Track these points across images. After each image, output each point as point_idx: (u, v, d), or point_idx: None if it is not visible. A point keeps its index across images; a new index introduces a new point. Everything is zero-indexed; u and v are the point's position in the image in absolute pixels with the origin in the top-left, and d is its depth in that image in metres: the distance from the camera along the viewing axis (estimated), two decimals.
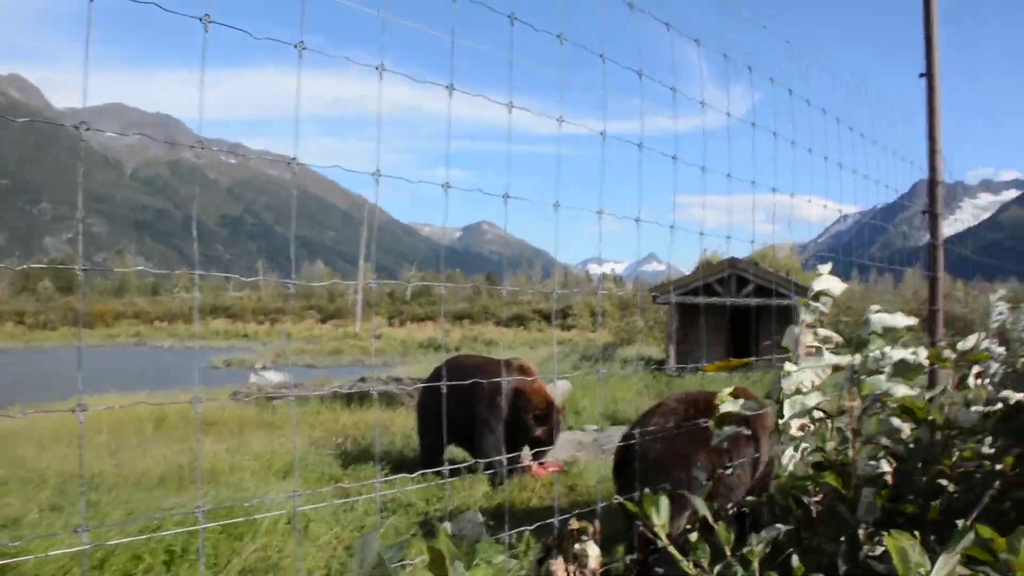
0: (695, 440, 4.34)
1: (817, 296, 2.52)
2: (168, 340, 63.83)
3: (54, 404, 12.81)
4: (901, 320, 2.42)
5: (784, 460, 2.50)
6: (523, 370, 8.49)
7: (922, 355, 2.46)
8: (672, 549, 1.90)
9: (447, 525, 1.40)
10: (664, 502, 1.90)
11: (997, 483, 2.51)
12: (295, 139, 2.20)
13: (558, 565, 1.73)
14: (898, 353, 2.43)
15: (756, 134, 3.78)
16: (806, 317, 2.58)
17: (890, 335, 2.43)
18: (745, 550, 1.91)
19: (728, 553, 1.99)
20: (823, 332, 2.55)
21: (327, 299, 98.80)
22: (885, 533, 1.47)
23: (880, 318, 2.38)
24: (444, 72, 2.65)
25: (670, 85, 3.25)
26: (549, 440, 8.33)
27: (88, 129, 1.71)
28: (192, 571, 4.78)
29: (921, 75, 5.65)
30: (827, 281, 2.56)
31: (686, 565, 1.91)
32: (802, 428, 2.54)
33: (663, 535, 1.85)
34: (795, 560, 1.84)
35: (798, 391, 2.44)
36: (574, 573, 1.71)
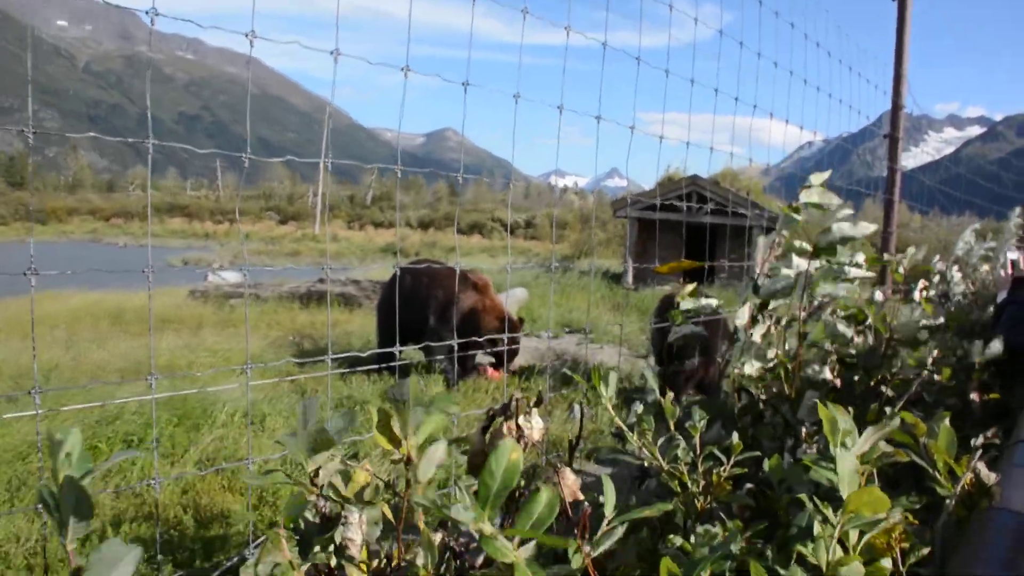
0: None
1: (798, 209, 2.50)
2: (124, 238, 62.71)
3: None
4: (862, 229, 2.43)
5: (744, 365, 2.56)
6: (479, 286, 8.52)
7: (860, 259, 2.50)
8: (618, 420, 1.96)
9: (396, 384, 1.42)
10: (612, 377, 1.95)
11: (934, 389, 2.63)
12: (252, 18, 2.14)
13: (502, 431, 1.77)
14: (849, 257, 2.46)
15: (724, 43, 3.75)
16: (785, 232, 2.58)
17: (849, 244, 2.45)
18: (688, 424, 1.98)
19: (672, 428, 2.06)
20: (797, 243, 2.55)
21: (286, 201, 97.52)
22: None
23: (841, 227, 2.40)
24: None
25: None
26: (507, 358, 8.39)
27: None
28: (150, 459, 4.82)
29: None
30: (815, 194, 2.48)
31: (630, 435, 1.97)
32: (764, 335, 2.60)
33: (610, 407, 1.91)
34: (735, 437, 1.91)
35: (764, 299, 2.48)
36: (517, 440, 1.75)
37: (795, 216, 2.41)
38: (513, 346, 8.31)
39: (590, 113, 3.01)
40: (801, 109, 4.68)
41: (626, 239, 22.72)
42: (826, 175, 2.43)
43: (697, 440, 1.96)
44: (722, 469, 1.89)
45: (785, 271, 2.50)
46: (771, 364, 2.59)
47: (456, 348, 7.91)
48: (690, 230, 20.27)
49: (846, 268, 2.47)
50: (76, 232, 69.46)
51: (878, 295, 3.26)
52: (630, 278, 20.83)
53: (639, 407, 2.06)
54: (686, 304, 2.67)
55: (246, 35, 2.12)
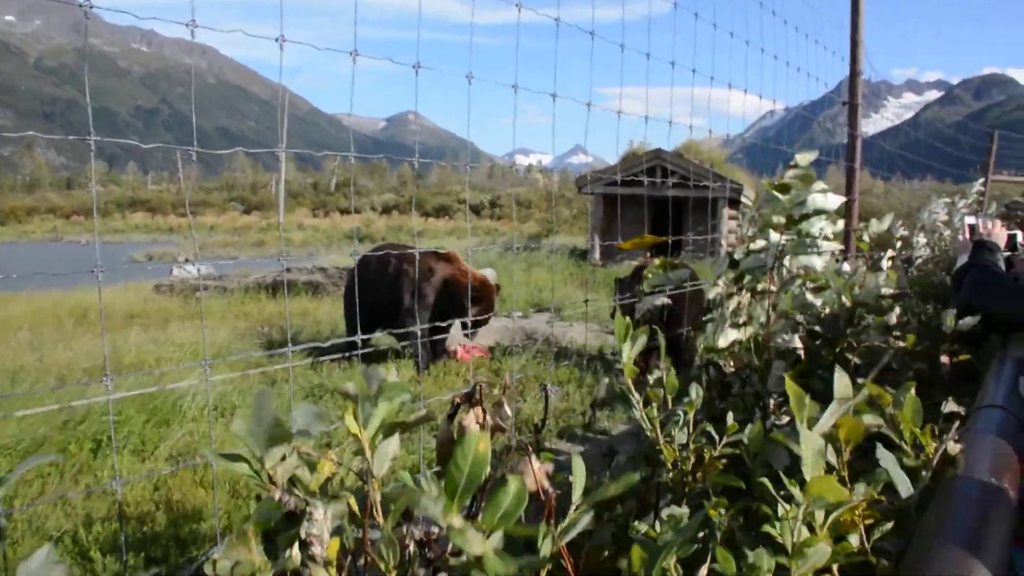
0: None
1: (785, 187, 2.47)
2: (85, 235, 61.69)
3: None
4: (833, 201, 2.43)
5: (718, 337, 2.55)
6: (449, 258, 8.53)
7: (829, 231, 2.51)
8: (632, 390, 1.92)
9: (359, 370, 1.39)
10: (641, 338, 1.91)
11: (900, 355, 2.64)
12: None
13: (469, 418, 1.75)
14: (820, 227, 2.46)
15: (679, 15, 3.70)
16: (764, 208, 2.56)
17: (820, 216, 2.45)
18: (685, 400, 1.96)
19: (670, 403, 2.04)
20: (775, 219, 2.53)
21: (249, 191, 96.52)
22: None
23: (815, 199, 2.39)
24: None
25: None
26: (486, 318, 8.49)
27: None
28: (120, 457, 4.77)
29: None
30: (801, 173, 2.44)
31: (637, 404, 1.94)
32: (737, 307, 2.60)
33: (627, 370, 1.88)
34: (730, 418, 1.90)
35: (740, 273, 2.48)
36: (484, 426, 1.73)
37: (778, 195, 2.39)
38: (488, 311, 8.33)
39: (546, 91, 2.97)
40: (760, 78, 4.66)
41: (592, 216, 22.73)
42: (813, 155, 2.43)
43: (691, 418, 1.94)
44: (714, 449, 1.88)
45: (760, 243, 2.49)
46: (743, 336, 2.59)
47: (426, 332, 7.88)
48: (655, 204, 20.29)
49: (818, 240, 2.47)
50: (36, 232, 68.39)
51: (846, 266, 3.27)
52: (597, 254, 20.87)
53: (651, 376, 2.03)
54: (654, 278, 2.66)
55: (187, 24, 2.05)
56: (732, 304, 2.61)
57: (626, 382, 1.94)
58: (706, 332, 2.60)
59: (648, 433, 1.92)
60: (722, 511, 1.55)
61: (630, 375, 1.91)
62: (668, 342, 2.20)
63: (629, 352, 1.90)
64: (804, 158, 2.39)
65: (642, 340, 1.92)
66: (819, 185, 2.39)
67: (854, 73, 5.64)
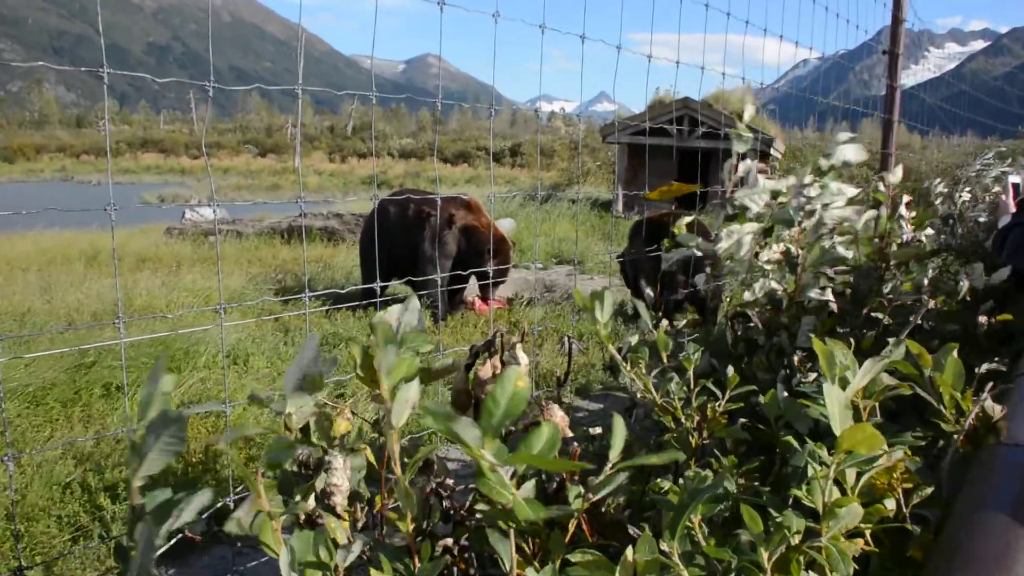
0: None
1: (750, 128, 2.41)
2: (96, 175, 61.49)
3: None
4: (858, 153, 2.34)
5: (745, 291, 2.49)
6: (471, 206, 8.33)
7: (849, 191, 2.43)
8: (612, 349, 1.87)
9: (379, 315, 1.34)
10: (608, 298, 1.85)
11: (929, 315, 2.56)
12: None
13: (486, 370, 1.70)
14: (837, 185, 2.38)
15: None
16: (739, 147, 2.49)
17: (845, 169, 2.37)
18: (681, 355, 1.90)
19: (665, 360, 1.99)
20: (759, 164, 2.46)
21: (264, 134, 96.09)
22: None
23: (843, 150, 2.31)
24: None
25: None
26: (501, 275, 8.31)
27: None
28: (130, 403, 4.75)
29: None
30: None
31: (624, 368, 1.90)
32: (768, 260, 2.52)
33: (604, 333, 1.82)
34: (730, 370, 1.84)
35: (741, 220, 2.39)
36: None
37: (743, 135, 2.33)
38: (503, 267, 8.18)
39: (574, 32, 2.86)
40: (796, 25, 4.51)
41: (617, 166, 22.40)
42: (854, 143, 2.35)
43: (691, 374, 1.89)
44: (717, 404, 1.83)
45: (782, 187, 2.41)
46: (768, 290, 2.51)
47: (446, 281, 7.79)
48: (682, 155, 19.97)
49: (841, 189, 2.39)
50: (45, 170, 68.08)
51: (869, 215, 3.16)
52: (620, 206, 20.64)
53: (632, 339, 1.98)
54: (683, 238, 2.58)
55: None
56: (760, 256, 2.53)
57: (609, 348, 1.88)
58: (736, 286, 2.54)
59: (641, 394, 1.88)
60: (734, 470, 1.52)
61: (607, 340, 1.85)
62: (692, 294, 2.13)
63: (601, 316, 1.83)
64: (844, 136, 2.33)
65: (610, 304, 1.86)
66: (844, 135, 2.31)
67: (896, 20, 5.44)
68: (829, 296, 2.42)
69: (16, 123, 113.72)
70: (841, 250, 2.49)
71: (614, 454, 1.35)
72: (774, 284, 2.48)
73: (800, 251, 2.41)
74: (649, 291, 3.97)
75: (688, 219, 2.62)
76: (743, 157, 2.48)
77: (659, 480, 1.67)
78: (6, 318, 7.01)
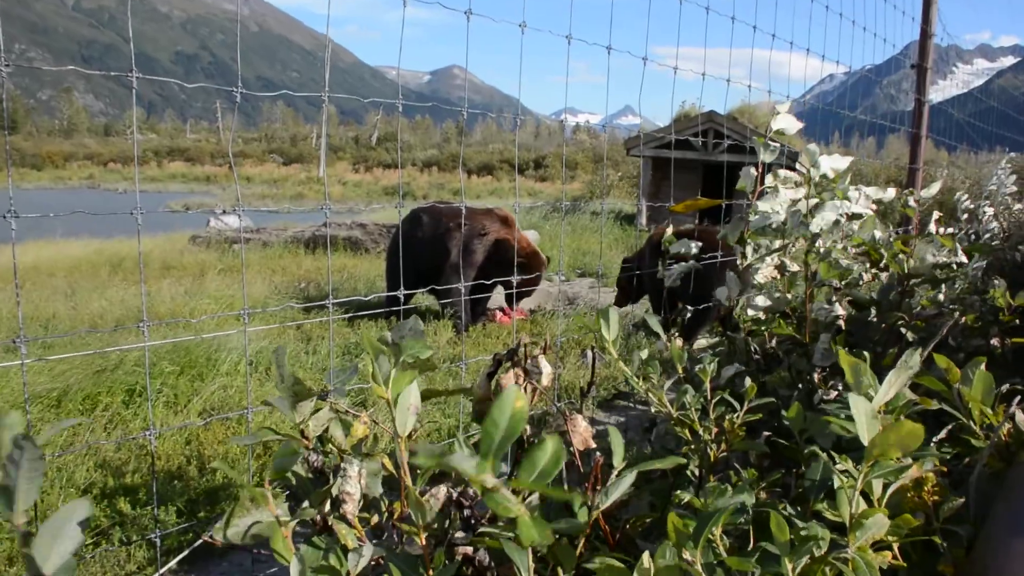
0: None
1: (774, 136, 2.42)
2: (122, 183, 62.07)
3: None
4: (842, 162, 2.35)
5: (747, 306, 2.47)
6: (507, 221, 8.28)
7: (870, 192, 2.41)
8: (622, 364, 1.86)
9: (386, 335, 1.34)
10: (614, 316, 1.84)
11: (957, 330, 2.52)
12: None
13: (508, 378, 1.69)
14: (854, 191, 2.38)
15: None
16: (765, 157, 2.49)
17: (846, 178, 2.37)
18: (697, 368, 1.88)
19: (680, 372, 1.97)
20: (782, 172, 2.45)
21: (289, 143, 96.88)
22: (840, 351, 1.43)
23: (825, 159, 2.32)
24: None
25: None
26: (531, 287, 8.29)
27: None
28: (152, 409, 4.76)
29: None
30: (784, 120, 2.45)
31: (635, 382, 1.89)
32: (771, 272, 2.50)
33: (612, 350, 1.81)
34: (748, 381, 1.82)
35: (762, 232, 2.38)
36: (525, 387, 1.67)
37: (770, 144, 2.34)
38: (533, 276, 8.14)
39: (600, 43, 2.86)
40: (823, 39, 4.47)
41: (640, 178, 22.32)
42: (788, 104, 2.38)
43: (708, 386, 1.87)
44: (735, 416, 1.81)
45: (775, 199, 2.40)
46: (779, 305, 2.49)
47: (468, 292, 7.76)
48: (707, 169, 19.85)
49: (847, 202, 2.38)
50: (73, 178, 68.74)
51: (880, 233, 3.12)
52: (643, 219, 20.56)
53: (643, 352, 1.96)
54: (676, 247, 2.58)
55: None
56: (765, 271, 2.51)
57: (619, 365, 1.88)
58: (738, 301, 2.52)
59: (656, 407, 1.87)
60: (755, 483, 1.50)
61: (617, 356, 1.85)
62: (705, 311, 2.13)
63: (608, 334, 1.83)
64: (783, 107, 2.36)
65: (617, 321, 1.87)
66: (814, 147, 2.32)
67: (925, 34, 5.39)
68: (839, 310, 2.40)
69: (45, 131, 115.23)
70: (846, 263, 2.47)
71: (617, 460, 1.34)
72: (777, 295, 2.47)
73: (809, 264, 2.38)
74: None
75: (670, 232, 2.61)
76: (768, 168, 2.47)
77: (679, 492, 1.66)
78: (32, 323, 7.08)
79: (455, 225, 8.01)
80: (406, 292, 7.88)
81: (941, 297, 2.66)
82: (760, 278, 2.50)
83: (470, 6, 2.51)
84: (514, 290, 7.61)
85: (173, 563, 3.02)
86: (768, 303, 2.46)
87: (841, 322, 2.47)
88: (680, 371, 1.97)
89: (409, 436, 1.28)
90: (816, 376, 2.24)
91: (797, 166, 2.40)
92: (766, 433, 1.92)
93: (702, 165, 19.44)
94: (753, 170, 2.45)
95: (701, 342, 2.75)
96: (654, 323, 2.12)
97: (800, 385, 2.29)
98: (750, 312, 2.47)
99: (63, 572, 0.88)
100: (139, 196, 2.53)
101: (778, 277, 2.55)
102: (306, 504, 1.40)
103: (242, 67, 2.56)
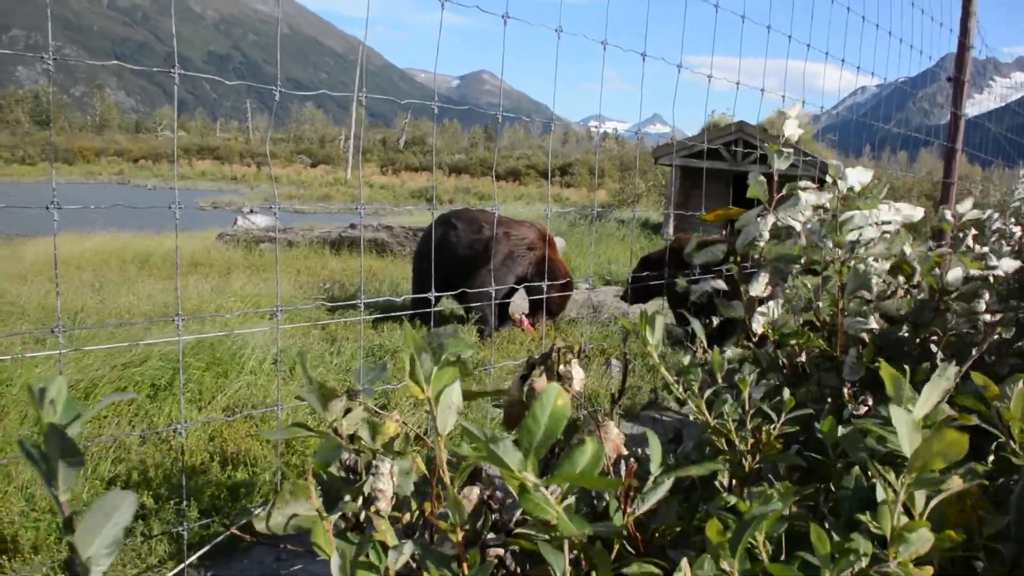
0: None
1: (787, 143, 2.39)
2: (152, 180, 62.71)
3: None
4: (864, 176, 2.32)
5: (752, 322, 2.43)
6: (551, 241, 8.17)
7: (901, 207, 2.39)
8: (664, 370, 1.85)
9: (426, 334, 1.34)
10: (659, 322, 1.83)
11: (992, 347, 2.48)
12: None
13: (541, 382, 1.69)
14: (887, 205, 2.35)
15: None
16: (780, 165, 2.47)
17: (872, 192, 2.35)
18: (737, 378, 1.87)
19: (720, 380, 1.96)
20: (803, 182, 2.43)
21: (317, 144, 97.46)
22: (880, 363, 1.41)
23: (851, 171, 2.30)
24: None
25: None
26: (560, 310, 8.28)
27: None
28: (176, 403, 4.79)
29: None
30: (793, 126, 2.43)
31: (676, 388, 1.88)
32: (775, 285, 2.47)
33: (655, 355, 1.80)
34: (786, 393, 1.81)
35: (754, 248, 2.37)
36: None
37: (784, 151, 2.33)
38: (563, 296, 8.13)
39: (635, 50, 2.86)
40: (859, 50, 4.41)
41: (669, 187, 22.18)
42: (797, 106, 2.38)
43: (747, 395, 1.85)
44: (772, 427, 1.79)
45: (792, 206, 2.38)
46: (809, 318, 2.47)
47: (499, 297, 7.74)
48: (736, 179, 19.71)
49: (877, 214, 2.35)
50: (103, 173, 69.47)
51: (910, 249, 3.08)
52: (671, 229, 20.46)
53: (685, 359, 1.96)
54: (699, 258, 2.55)
55: None
56: (757, 287, 2.48)
57: (661, 370, 1.87)
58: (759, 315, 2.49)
59: (694, 415, 1.85)
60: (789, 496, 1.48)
61: (659, 361, 1.83)
62: (733, 321, 2.12)
63: (651, 339, 1.82)
64: (793, 110, 2.34)
65: (661, 327, 1.85)
66: (833, 161, 2.31)
67: (963, 47, 5.31)
68: (873, 324, 2.37)
69: (77, 126, 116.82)
70: (877, 277, 2.44)
71: (654, 467, 1.33)
72: (796, 313, 2.44)
73: (838, 276, 2.36)
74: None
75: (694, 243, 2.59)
76: (789, 179, 2.45)
77: (724, 495, 1.65)
78: (61, 315, 7.13)
79: (502, 234, 7.96)
80: (436, 295, 7.87)
81: (982, 308, 2.63)
82: (756, 292, 2.45)
83: (507, 9, 2.51)
84: (543, 294, 7.58)
85: (194, 558, 3.04)
86: (768, 320, 2.42)
87: (865, 336, 2.44)
88: (720, 380, 1.96)
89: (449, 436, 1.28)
90: (846, 391, 2.22)
91: (828, 178, 2.38)
92: (795, 446, 1.90)
93: (731, 175, 19.30)
94: (762, 176, 2.42)
95: (727, 353, 2.72)
96: (698, 328, 2.11)
97: (829, 399, 2.26)
98: (756, 328, 2.44)
99: (104, 559, 0.88)
100: (177, 192, 2.56)
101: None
102: (348, 498, 1.40)
103: (273, 68, 2.59)
